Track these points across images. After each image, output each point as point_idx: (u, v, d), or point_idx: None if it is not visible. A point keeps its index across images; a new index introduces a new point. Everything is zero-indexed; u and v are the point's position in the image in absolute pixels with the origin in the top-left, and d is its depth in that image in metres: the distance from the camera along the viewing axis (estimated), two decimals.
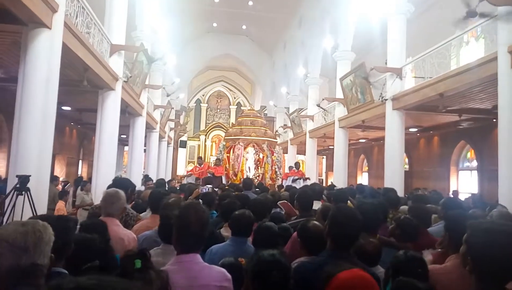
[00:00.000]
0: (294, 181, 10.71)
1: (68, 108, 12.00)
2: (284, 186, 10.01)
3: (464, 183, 13.22)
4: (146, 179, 8.93)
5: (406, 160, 15.40)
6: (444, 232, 2.36)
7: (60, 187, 9.72)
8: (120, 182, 3.47)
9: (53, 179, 8.31)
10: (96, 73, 7.96)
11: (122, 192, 2.83)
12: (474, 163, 12.90)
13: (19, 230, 1.34)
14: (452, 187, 13.13)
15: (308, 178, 12.23)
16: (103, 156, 9.19)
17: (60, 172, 14.87)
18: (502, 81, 6.65)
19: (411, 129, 13.27)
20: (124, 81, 9.62)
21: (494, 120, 10.90)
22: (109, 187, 3.38)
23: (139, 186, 8.12)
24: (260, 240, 2.56)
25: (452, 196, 10.58)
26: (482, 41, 8.62)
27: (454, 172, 13.56)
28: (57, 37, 5.81)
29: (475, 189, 12.37)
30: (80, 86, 8.20)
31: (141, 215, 4.06)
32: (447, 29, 11.18)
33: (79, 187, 8.03)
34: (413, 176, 14.74)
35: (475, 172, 12.71)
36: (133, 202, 4.26)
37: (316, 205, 3.47)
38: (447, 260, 2.27)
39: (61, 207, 7.14)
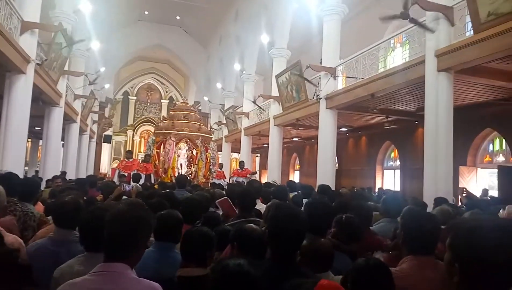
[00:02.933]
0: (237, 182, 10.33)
1: None
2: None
3: (388, 181, 13.99)
4: (55, 177, 7.86)
5: (335, 159, 15.90)
6: (399, 231, 2.15)
7: None
8: (4, 178, 2.76)
9: None
10: (1, 52, 6.82)
11: (1, 188, 2.20)
12: (397, 163, 13.71)
13: None
14: (378, 185, 13.81)
15: (255, 172, 11.85)
16: (9, 150, 8.01)
17: None
18: (429, 83, 6.97)
19: (341, 129, 13.69)
20: (38, 64, 8.46)
21: (416, 122, 11.69)
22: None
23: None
24: (187, 250, 2.12)
25: (377, 194, 11.06)
26: (407, 47, 9.08)
27: (380, 171, 14.30)
28: None
29: (397, 187, 13.14)
30: None
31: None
32: (378, 32, 11.70)
33: None
34: (342, 175, 15.25)
35: (398, 171, 13.49)
36: (38, 201, 3.53)
37: (258, 205, 3.14)
38: (401, 261, 2.07)
39: None
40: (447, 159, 6.81)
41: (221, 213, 3.22)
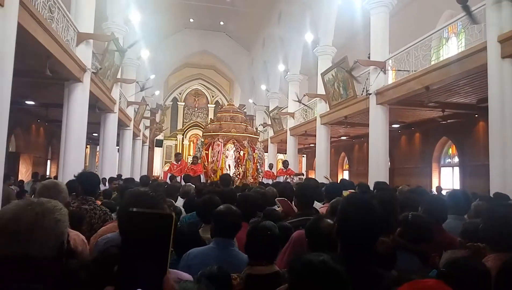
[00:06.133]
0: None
1: (32, 103, 11.14)
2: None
3: (446, 179, 13.15)
4: (111, 179, 8.20)
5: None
6: (482, 227, 1.95)
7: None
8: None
9: (6, 178, 7.47)
10: (60, 62, 7.26)
11: (62, 184, 2.24)
12: (456, 159, 12.84)
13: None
14: (434, 183, 13.03)
15: (302, 174, 11.74)
16: (70, 155, 8.49)
17: (26, 172, 13.88)
18: (492, 71, 6.41)
19: (393, 125, 13.08)
20: (93, 72, 8.91)
21: (476, 115, 10.88)
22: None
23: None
24: (255, 246, 2.03)
25: (435, 192, 10.40)
26: (462, 36, 8.44)
27: (436, 169, 13.48)
28: (11, 16, 5.12)
29: (456, 185, 12.30)
30: (43, 77, 7.45)
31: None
32: (428, 24, 11.05)
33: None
34: (395, 174, 14.58)
35: (456, 168, 12.64)
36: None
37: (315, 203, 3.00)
38: (484, 260, 1.87)
39: None
40: None
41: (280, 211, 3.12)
